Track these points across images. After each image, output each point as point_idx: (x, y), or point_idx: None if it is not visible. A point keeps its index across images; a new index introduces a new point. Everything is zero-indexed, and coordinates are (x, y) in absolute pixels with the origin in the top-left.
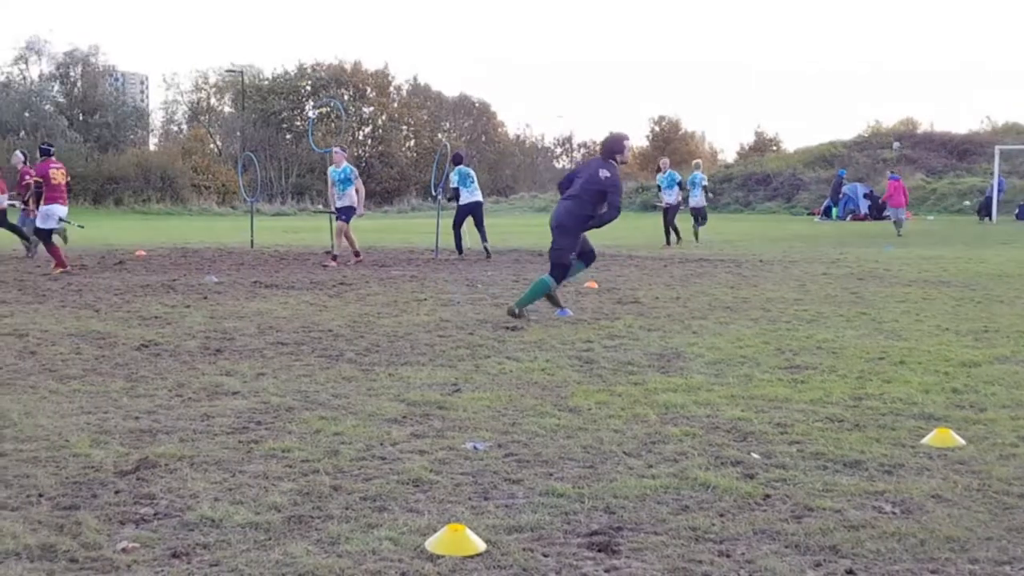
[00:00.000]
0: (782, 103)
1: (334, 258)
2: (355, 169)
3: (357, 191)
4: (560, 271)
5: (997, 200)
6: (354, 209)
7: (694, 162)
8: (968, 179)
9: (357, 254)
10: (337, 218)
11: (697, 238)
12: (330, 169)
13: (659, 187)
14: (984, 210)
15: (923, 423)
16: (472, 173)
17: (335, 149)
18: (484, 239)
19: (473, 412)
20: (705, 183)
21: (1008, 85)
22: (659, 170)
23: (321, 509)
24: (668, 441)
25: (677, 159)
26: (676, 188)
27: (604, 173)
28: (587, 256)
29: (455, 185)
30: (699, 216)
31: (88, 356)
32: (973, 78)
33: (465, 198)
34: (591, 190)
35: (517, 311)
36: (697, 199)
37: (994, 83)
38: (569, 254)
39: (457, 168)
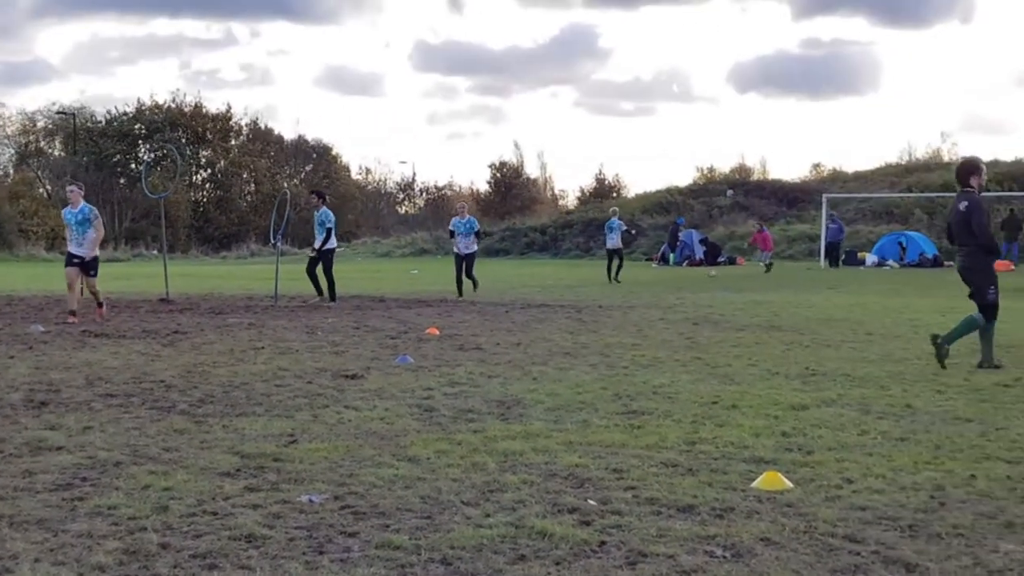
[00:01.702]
0: (623, 147)
1: (73, 313)
2: (95, 209)
3: (96, 235)
4: (989, 311)
5: (826, 245)
6: (97, 259)
7: (611, 209)
8: (798, 226)
9: (73, 311)
10: (87, 272)
11: (617, 278)
12: (65, 210)
13: (452, 233)
14: (829, 255)
15: (754, 466)
16: None
17: (70, 188)
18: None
19: (309, 463)
20: (623, 228)
21: (834, 132)
22: (456, 214)
23: (148, 568)
24: (506, 489)
25: (519, 205)
26: (473, 236)
27: (963, 204)
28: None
29: (331, 226)
30: (617, 257)
31: None
32: (802, 125)
33: (333, 242)
34: (962, 225)
35: (942, 344)
36: (615, 242)
37: (821, 130)
38: (987, 294)
39: (326, 208)
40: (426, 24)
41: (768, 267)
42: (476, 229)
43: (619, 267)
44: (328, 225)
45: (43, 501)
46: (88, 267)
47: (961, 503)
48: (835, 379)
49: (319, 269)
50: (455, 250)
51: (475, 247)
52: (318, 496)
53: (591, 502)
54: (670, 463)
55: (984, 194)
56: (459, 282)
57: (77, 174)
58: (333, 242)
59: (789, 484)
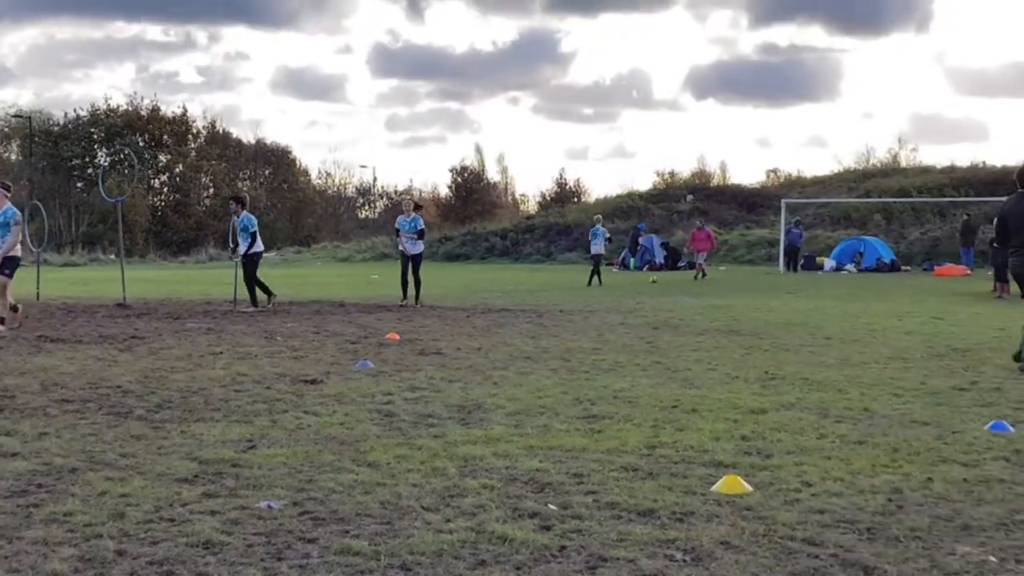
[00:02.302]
0: (583, 152)
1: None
2: (19, 213)
3: (12, 240)
4: None
5: (786, 249)
6: (18, 260)
7: (595, 216)
8: (757, 231)
9: (16, 308)
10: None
11: (600, 282)
12: None
13: (398, 231)
14: (790, 260)
15: (713, 470)
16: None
17: None
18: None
19: (268, 469)
20: (607, 236)
21: (792, 138)
22: (403, 212)
23: None
24: (467, 494)
25: (480, 209)
26: (416, 235)
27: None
28: None
29: (255, 230)
30: (599, 262)
31: None
32: (760, 130)
33: (259, 246)
34: (1020, 225)
35: None
36: (598, 247)
37: (780, 136)
38: None
39: (247, 213)
40: (385, 29)
41: (703, 273)
42: (419, 228)
43: (597, 273)
44: (252, 229)
45: None
46: (4, 266)
47: (918, 506)
48: (794, 383)
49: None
50: (400, 249)
51: (422, 247)
52: (277, 502)
53: (551, 507)
54: (630, 467)
55: (940, 199)
56: (404, 284)
57: (33, 178)
58: (259, 246)
59: (748, 488)
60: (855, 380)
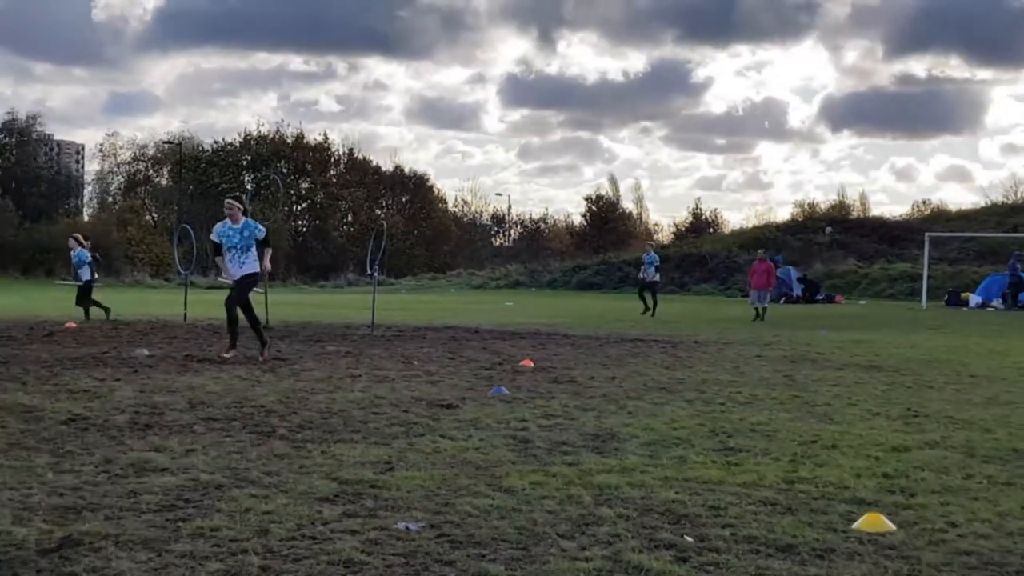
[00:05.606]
0: (716, 183)
1: None
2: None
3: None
4: None
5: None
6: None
7: (648, 243)
8: (899, 264)
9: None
10: None
11: (653, 312)
12: None
13: (217, 248)
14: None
15: (854, 507)
16: None
17: None
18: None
19: (406, 491)
20: (657, 263)
21: (932, 171)
22: (233, 219)
23: None
24: (602, 523)
25: (614, 238)
26: (253, 249)
27: None
28: None
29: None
30: (648, 289)
31: (13, 430)
32: (899, 162)
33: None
34: None
35: None
36: (652, 275)
37: (919, 168)
38: None
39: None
40: (517, 59)
41: (757, 313)
42: (261, 236)
43: (644, 300)
44: None
45: (147, 521)
46: None
47: None
48: (938, 421)
49: None
50: (222, 276)
51: (256, 267)
52: (415, 524)
53: (688, 538)
54: (768, 501)
55: None
56: (232, 321)
57: (182, 202)
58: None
59: (892, 526)
60: (1003, 420)
